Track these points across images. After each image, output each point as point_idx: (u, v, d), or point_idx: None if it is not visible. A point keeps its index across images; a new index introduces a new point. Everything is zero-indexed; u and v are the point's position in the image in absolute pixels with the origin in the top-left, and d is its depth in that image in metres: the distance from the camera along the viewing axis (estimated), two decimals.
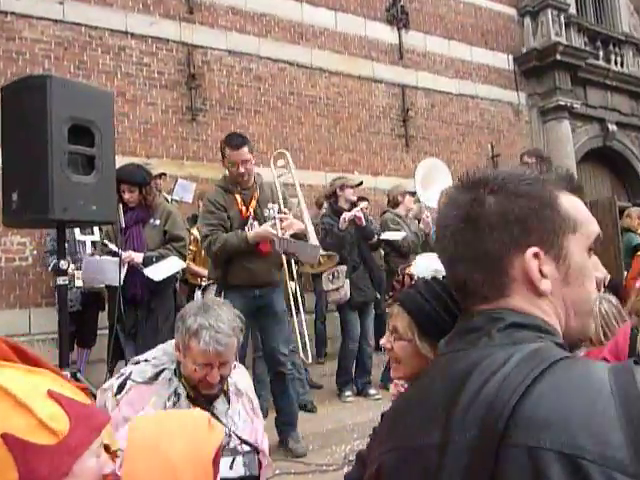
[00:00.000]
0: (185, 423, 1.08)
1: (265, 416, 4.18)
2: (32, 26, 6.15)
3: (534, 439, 0.63)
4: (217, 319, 1.83)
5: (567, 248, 0.81)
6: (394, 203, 5.35)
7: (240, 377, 2.11)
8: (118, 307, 3.55)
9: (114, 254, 3.74)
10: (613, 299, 2.60)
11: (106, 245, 3.93)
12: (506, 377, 0.69)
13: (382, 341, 1.52)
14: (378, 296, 5.07)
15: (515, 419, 0.65)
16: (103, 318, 5.29)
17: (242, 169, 3.58)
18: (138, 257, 3.80)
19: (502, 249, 0.80)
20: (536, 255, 0.79)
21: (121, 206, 3.83)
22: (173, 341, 1.97)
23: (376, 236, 4.98)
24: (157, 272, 3.75)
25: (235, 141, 3.62)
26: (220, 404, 1.96)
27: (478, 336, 0.79)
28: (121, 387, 1.89)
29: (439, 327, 1.29)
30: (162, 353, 1.99)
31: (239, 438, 1.91)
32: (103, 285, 4.77)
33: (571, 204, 0.84)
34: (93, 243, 4.94)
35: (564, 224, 0.81)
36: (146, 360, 1.97)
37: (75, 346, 4.96)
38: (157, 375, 1.91)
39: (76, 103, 2.57)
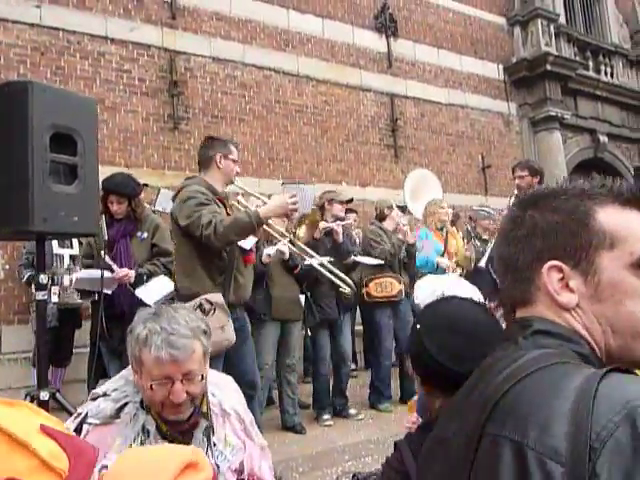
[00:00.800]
0: (151, 465, 0.93)
1: None
2: (7, 30, 5.92)
3: (499, 429, 0.72)
4: (170, 321, 1.52)
5: (598, 264, 0.81)
6: (381, 217, 5.15)
7: (225, 393, 1.76)
8: (101, 324, 3.40)
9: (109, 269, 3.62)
10: None
11: (104, 260, 3.69)
12: (504, 378, 0.76)
13: None
14: (341, 317, 4.80)
15: (494, 413, 0.74)
16: (79, 336, 5.06)
17: (238, 169, 3.45)
18: (132, 275, 3.70)
19: (528, 261, 0.86)
20: (557, 268, 0.83)
21: (104, 218, 3.67)
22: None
23: (352, 257, 4.76)
24: (149, 294, 3.61)
25: (234, 142, 3.56)
26: (199, 433, 1.62)
27: (509, 343, 0.85)
28: (77, 431, 1.57)
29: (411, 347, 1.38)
30: (124, 382, 1.66)
31: (231, 470, 1.63)
32: (80, 301, 4.57)
33: (614, 220, 0.83)
34: (72, 257, 4.73)
35: (596, 240, 0.82)
36: (105, 394, 1.64)
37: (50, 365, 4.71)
38: (118, 411, 1.58)
39: (58, 110, 2.45)
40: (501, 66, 10.23)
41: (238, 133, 7.17)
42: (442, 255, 4.94)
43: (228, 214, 3.27)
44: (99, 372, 3.81)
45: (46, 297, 2.49)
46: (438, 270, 4.82)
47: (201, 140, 6.76)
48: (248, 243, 3.33)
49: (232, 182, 3.43)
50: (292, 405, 4.48)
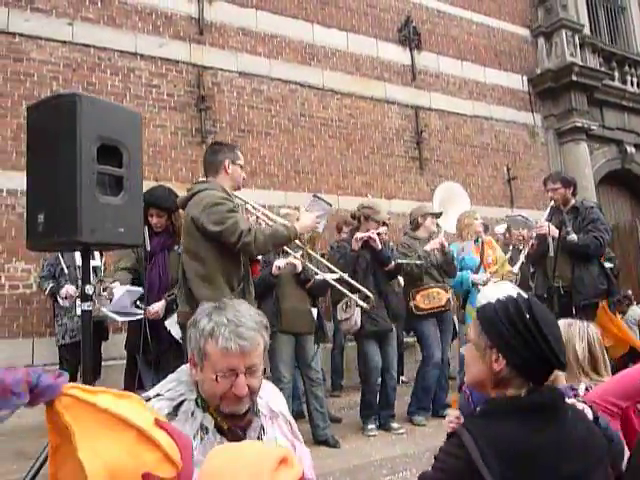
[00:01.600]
0: (250, 461, 0.95)
1: None
2: (40, 47, 6.05)
3: None
4: (235, 314, 1.53)
5: None
6: (415, 225, 5.08)
7: (272, 395, 1.77)
8: (144, 337, 3.35)
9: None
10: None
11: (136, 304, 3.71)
12: None
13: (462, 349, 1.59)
14: (393, 327, 4.76)
15: None
16: (106, 348, 5.08)
17: (244, 175, 3.42)
18: (160, 307, 3.66)
19: None
20: None
21: (147, 229, 3.66)
22: (185, 367, 1.64)
23: (393, 262, 4.71)
24: (176, 327, 3.51)
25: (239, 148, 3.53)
26: (252, 432, 1.60)
27: None
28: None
29: (495, 328, 1.48)
30: (176, 383, 1.62)
31: None
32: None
33: None
34: (94, 268, 4.75)
35: None
36: (158, 395, 1.59)
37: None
38: (176, 409, 1.54)
39: (105, 122, 2.49)
40: (525, 77, 10.16)
41: (264, 146, 7.21)
42: (478, 268, 4.87)
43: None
44: (132, 385, 3.81)
45: (91, 308, 2.49)
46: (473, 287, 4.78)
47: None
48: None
49: (239, 188, 3.38)
50: (322, 419, 4.41)
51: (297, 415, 4.80)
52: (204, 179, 3.44)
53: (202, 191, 3.14)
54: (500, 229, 5.85)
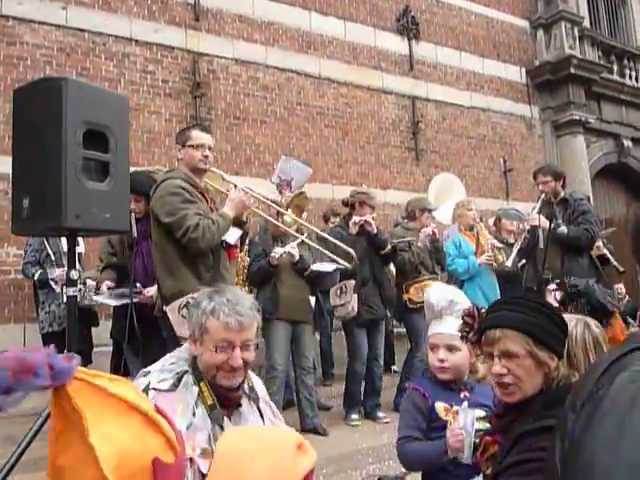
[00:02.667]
0: (271, 444, 0.98)
1: None
2: (34, 31, 5.99)
3: None
4: (234, 295, 1.75)
5: None
6: (411, 217, 5.07)
7: (257, 381, 1.97)
8: (131, 324, 3.35)
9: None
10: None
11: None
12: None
13: (495, 370, 1.55)
14: (388, 314, 4.80)
15: None
16: (97, 335, 5.08)
17: (207, 152, 3.18)
18: (155, 291, 3.52)
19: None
20: None
21: (133, 215, 3.56)
22: (185, 345, 1.84)
23: (389, 246, 4.71)
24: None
25: (201, 126, 3.42)
26: (245, 408, 1.79)
27: None
28: None
29: (549, 333, 1.52)
30: (176, 359, 1.80)
31: None
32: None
33: None
34: (79, 255, 4.71)
35: None
36: (161, 368, 1.76)
37: None
38: (179, 381, 1.71)
39: (91, 107, 2.45)
40: (524, 69, 10.12)
41: (260, 135, 7.18)
42: (475, 255, 4.90)
43: (210, 208, 3.17)
44: (118, 372, 3.81)
45: (76, 293, 2.48)
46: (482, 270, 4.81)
47: (224, 142, 6.88)
48: (232, 237, 3.21)
49: (202, 169, 3.18)
50: (310, 407, 4.42)
51: (287, 404, 4.82)
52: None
53: (164, 181, 3.08)
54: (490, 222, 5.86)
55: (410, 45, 8.76)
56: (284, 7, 7.62)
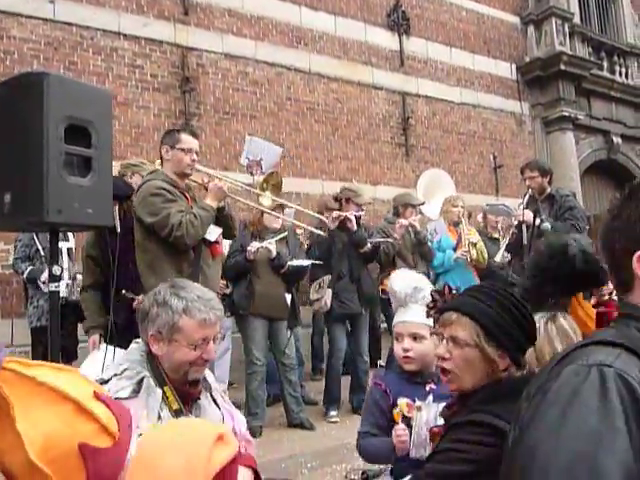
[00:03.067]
0: (186, 438, 0.98)
1: (259, 435, 3.99)
2: (21, 25, 5.94)
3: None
4: (201, 291, 1.76)
5: None
6: (395, 213, 5.10)
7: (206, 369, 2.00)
8: (112, 324, 3.31)
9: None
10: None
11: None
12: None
13: (439, 351, 1.52)
14: (363, 311, 4.77)
15: None
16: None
17: (195, 157, 3.25)
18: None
19: (623, 249, 0.94)
20: None
21: (117, 209, 3.56)
22: (133, 347, 1.79)
23: (369, 244, 4.72)
24: None
25: (190, 130, 3.49)
26: (203, 400, 1.81)
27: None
28: None
29: (504, 329, 1.44)
30: (130, 363, 1.74)
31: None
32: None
33: None
34: (68, 250, 4.70)
35: None
36: (115, 374, 1.70)
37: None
38: (139, 386, 1.67)
39: (73, 102, 2.44)
40: (514, 65, 10.14)
41: (249, 130, 7.14)
42: (454, 250, 4.94)
43: (191, 207, 3.22)
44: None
45: (59, 289, 2.48)
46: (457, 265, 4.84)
47: (213, 137, 6.86)
48: (213, 235, 3.27)
49: (186, 173, 3.24)
50: (295, 403, 4.45)
51: (275, 399, 4.84)
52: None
53: (145, 182, 3.13)
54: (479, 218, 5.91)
55: (401, 40, 8.76)
56: (274, 2, 7.60)
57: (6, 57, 5.84)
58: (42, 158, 2.31)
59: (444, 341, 1.52)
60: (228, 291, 4.57)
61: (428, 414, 1.79)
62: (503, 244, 4.62)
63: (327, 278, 4.54)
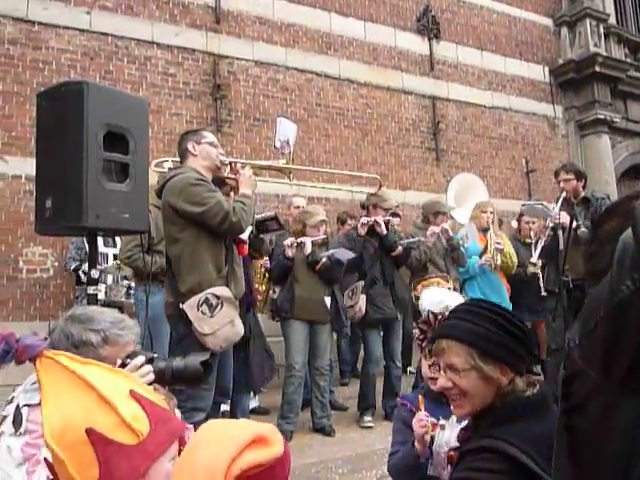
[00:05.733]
0: (223, 436, 0.98)
1: (289, 440, 3.99)
2: (59, 36, 6.12)
3: None
4: (107, 314, 1.75)
5: None
6: (426, 221, 5.06)
7: None
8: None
9: None
10: None
11: None
12: None
13: (440, 383, 1.49)
14: (399, 316, 4.77)
15: None
16: None
17: (221, 150, 3.28)
18: None
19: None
20: None
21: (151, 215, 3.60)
22: None
23: (400, 247, 4.71)
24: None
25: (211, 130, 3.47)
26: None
27: None
28: (17, 422, 1.60)
29: (498, 344, 1.39)
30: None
31: None
32: (123, 300, 4.66)
33: None
34: (115, 256, 4.86)
35: None
36: (24, 389, 1.68)
37: None
38: None
39: (112, 110, 2.53)
40: (547, 68, 9.98)
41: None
42: (480, 255, 4.88)
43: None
44: None
45: (97, 292, 2.54)
46: (483, 272, 4.77)
47: (244, 143, 6.92)
48: (245, 233, 3.23)
49: (217, 167, 3.21)
50: (321, 408, 4.45)
51: (305, 403, 4.84)
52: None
53: (174, 176, 3.05)
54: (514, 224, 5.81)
55: (430, 45, 8.71)
56: (304, 9, 7.65)
57: (44, 67, 6.02)
58: (82, 164, 2.39)
59: (442, 371, 1.49)
60: (275, 296, 4.63)
61: (450, 433, 1.73)
62: (539, 247, 4.47)
63: (360, 284, 4.54)
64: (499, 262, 4.79)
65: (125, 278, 4.82)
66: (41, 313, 5.73)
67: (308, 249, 4.30)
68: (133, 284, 4.85)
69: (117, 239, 4.86)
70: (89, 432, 0.84)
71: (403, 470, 1.90)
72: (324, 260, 4.33)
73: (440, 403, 1.84)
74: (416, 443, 1.77)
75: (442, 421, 1.77)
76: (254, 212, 3.28)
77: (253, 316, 4.28)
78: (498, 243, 4.87)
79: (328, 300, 4.44)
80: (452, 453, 1.64)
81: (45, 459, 0.94)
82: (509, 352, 1.41)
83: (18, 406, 1.63)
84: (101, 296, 4.54)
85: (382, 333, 4.82)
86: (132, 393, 0.91)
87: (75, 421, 0.85)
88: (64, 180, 2.44)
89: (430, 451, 1.77)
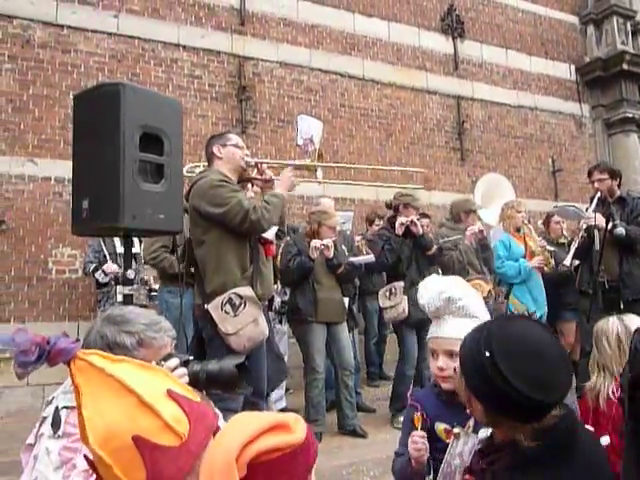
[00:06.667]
0: (242, 423, 0.97)
1: (319, 442, 3.96)
2: (87, 39, 6.20)
3: None
4: (142, 315, 1.68)
5: None
6: (456, 219, 4.99)
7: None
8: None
9: None
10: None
11: None
12: None
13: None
14: None
15: None
16: None
17: (247, 152, 3.30)
18: None
19: None
20: None
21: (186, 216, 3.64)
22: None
23: (435, 247, 4.67)
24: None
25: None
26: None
27: None
28: (56, 424, 1.60)
29: (468, 369, 1.30)
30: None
31: None
32: (146, 303, 4.69)
33: None
34: (134, 256, 4.87)
35: None
36: (64, 390, 1.67)
37: None
38: None
39: (147, 111, 2.54)
40: (573, 66, 9.83)
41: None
42: (524, 257, 4.77)
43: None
44: None
45: (132, 292, 2.55)
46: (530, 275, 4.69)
47: (269, 144, 6.94)
48: (270, 232, 3.22)
49: (243, 168, 3.23)
50: (351, 408, 4.41)
51: (331, 405, 4.81)
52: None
53: (200, 180, 3.10)
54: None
55: (455, 44, 8.64)
56: (328, 10, 7.65)
57: (73, 70, 6.10)
58: (118, 165, 2.39)
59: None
60: (286, 298, 4.60)
61: (465, 444, 1.62)
62: (572, 248, 4.37)
63: (398, 285, 4.51)
64: (552, 263, 4.69)
65: (144, 281, 4.87)
66: (70, 313, 5.80)
67: (332, 252, 4.28)
68: (155, 286, 4.88)
69: (135, 240, 4.86)
70: (136, 439, 0.83)
71: (404, 476, 1.80)
72: (346, 264, 4.34)
73: (454, 404, 1.71)
74: (412, 461, 1.66)
75: (457, 429, 1.66)
76: (282, 212, 3.25)
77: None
78: (543, 243, 4.77)
79: (346, 300, 4.48)
80: (467, 477, 1.51)
81: (85, 457, 0.93)
82: (483, 395, 1.29)
83: (57, 408, 1.63)
84: (120, 298, 4.54)
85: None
86: (169, 392, 0.90)
87: (119, 427, 0.85)
88: (101, 181, 2.45)
89: (430, 458, 1.68)
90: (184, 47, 6.67)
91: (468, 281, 4.67)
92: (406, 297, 4.46)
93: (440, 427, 1.72)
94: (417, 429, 1.69)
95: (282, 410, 4.72)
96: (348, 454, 3.95)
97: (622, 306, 3.93)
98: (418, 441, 1.64)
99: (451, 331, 1.72)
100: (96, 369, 0.89)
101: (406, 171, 7.34)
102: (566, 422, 1.27)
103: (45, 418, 1.67)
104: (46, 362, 0.91)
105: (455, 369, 1.56)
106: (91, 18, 6.22)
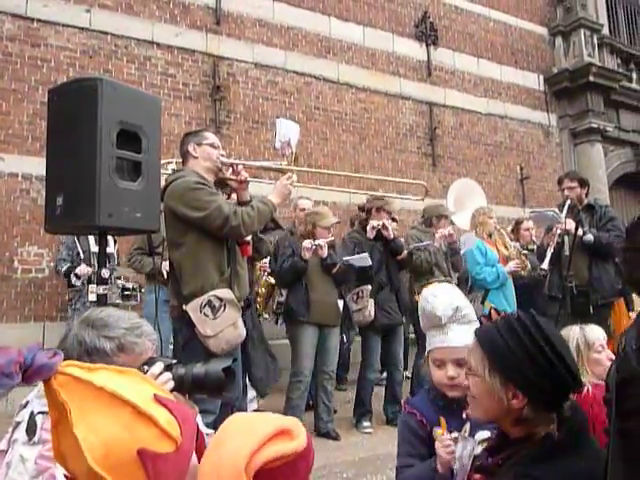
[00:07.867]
0: (247, 427, 0.96)
1: None
2: (58, 33, 6.06)
3: None
4: (123, 319, 1.64)
5: None
6: (428, 224, 5.05)
7: None
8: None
9: None
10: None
11: None
12: None
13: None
14: (404, 319, 4.78)
15: None
16: None
17: (222, 152, 3.22)
18: None
19: None
20: None
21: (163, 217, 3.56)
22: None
23: (405, 251, 4.71)
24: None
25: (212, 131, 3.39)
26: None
27: None
28: (31, 430, 1.54)
29: (510, 363, 1.30)
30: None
31: None
32: (119, 301, 4.60)
33: None
34: (108, 256, 4.78)
35: None
36: (38, 394, 1.60)
37: None
38: None
39: (126, 108, 2.48)
40: (542, 77, 10.08)
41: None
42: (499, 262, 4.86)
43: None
44: None
45: (107, 292, 2.50)
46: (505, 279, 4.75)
47: (242, 145, 6.89)
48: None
49: (219, 168, 3.15)
50: (327, 412, 4.42)
51: (307, 407, 4.80)
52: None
53: (175, 180, 3.01)
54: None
55: (428, 51, 8.76)
56: (304, 12, 7.66)
57: (43, 65, 5.96)
58: (95, 162, 2.35)
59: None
60: (282, 299, 4.58)
61: (464, 449, 1.62)
62: (549, 253, 4.41)
63: (366, 288, 4.52)
64: (529, 266, 4.77)
65: (122, 280, 4.80)
66: (36, 314, 5.64)
67: (325, 252, 4.27)
68: (129, 285, 4.80)
69: (109, 239, 4.78)
70: (141, 452, 0.80)
71: None
72: (340, 264, 4.31)
73: (451, 410, 1.75)
74: (439, 466, 1.64)
75: (455, 434, 1.66)
76: (266, 219, 3.16)
77: (251, 316, 4.24)
78: (518, 247, 4.85)
79: (341, 303, 4.44)
80: (477, 476, 1.53)
81: (66, 476, 0.88)
82: (521, 377, 1.31)
83: (32, 413, 1.57)
84: (92, 297, 4.45)
85: (381, 338, 4.80)
86: (156, 397, 0.87)
87: (118, 441, 0.80)
88: (76, 178, 2.39)
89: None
90: (158, 45, 6.58)
91: (433, 283, 4.76)
92: (372, 300, 4.49)
93: (437, 432, 1.72)
94: (443, 432, 1.69)
95: (255, 411, 4.69)
96: (320, 456, 3.94)
97: (592, 310, 4.04)
98: (451, 444, 1.63)
99: (458, 340, 1.72)
100: (81, 382, 0.83)
101: (386, 180, 7.35)
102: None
103: (19, 423, 1.61)
104: (23, 381, 0.81)
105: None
106: (62, 12, 6.08)
